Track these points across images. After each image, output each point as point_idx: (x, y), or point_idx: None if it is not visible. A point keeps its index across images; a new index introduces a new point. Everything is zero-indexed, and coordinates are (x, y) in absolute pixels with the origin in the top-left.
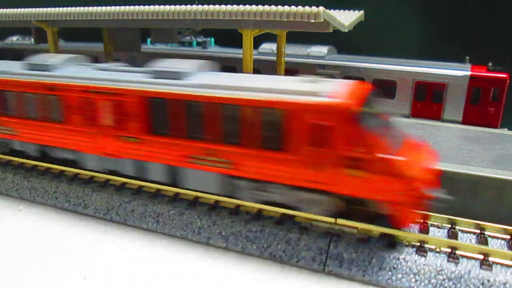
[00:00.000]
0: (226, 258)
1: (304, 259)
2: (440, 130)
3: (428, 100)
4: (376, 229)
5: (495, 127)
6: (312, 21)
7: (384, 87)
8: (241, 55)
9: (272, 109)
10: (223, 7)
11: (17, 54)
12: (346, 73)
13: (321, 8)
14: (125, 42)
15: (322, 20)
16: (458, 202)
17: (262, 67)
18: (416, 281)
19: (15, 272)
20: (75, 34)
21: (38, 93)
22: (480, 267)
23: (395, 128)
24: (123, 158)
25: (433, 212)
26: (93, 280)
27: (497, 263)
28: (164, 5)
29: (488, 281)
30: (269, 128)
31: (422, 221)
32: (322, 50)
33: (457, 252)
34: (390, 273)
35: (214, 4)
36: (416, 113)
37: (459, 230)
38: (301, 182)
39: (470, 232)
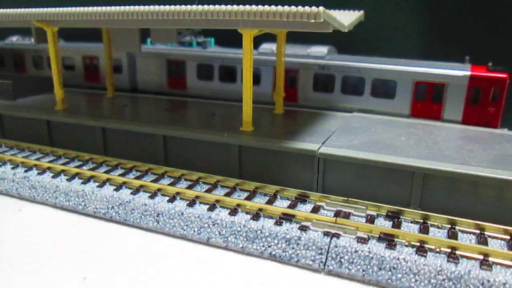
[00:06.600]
0: (226, 258)
1: (304, 259)
2: (440, 130)
3: (428, 100)
4: (376, 229)
5: (495, 127)
6: (312, 21)
7: (384, 87)
8: (241, 55)
9: None
10: (223, 7)
11: (17, 55)
12: (346, 73)
13: (321, 8)
14: (125, 42)
15: (322, 20)
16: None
17: (262, 67)
18: (416, 281)
19: (15, 272)
20: (75, 34)
21: None
22: (480, 267)
23: None
24: None
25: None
26: (93, 280)
27: (497, 263)
28: (164, 5)
29: (488, 281)
30: None
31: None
32: (322, 50)
33: (457, 252)
34: (390, 273)
35: (214, 4)
36: (416, 113)
37: (459, 230)
38: None
39: (470, 233)
